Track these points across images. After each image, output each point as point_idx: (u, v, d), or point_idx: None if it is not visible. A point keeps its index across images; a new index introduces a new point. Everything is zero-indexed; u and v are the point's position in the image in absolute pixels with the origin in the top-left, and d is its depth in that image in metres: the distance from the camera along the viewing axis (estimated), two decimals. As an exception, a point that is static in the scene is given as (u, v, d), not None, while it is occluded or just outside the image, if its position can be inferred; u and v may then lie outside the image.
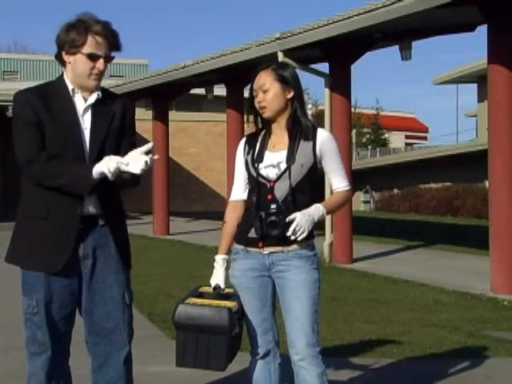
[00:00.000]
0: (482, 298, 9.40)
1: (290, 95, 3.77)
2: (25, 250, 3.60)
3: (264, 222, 3.63)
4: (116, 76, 33.56)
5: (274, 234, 3.64)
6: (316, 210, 3.68)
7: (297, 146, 3.74)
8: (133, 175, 3.51)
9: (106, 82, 22.34)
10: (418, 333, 7.18)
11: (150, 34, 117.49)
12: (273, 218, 3.62)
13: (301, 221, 3.60)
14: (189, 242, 16.81)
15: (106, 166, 3.44)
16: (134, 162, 3.43)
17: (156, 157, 3.50)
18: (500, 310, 8.66)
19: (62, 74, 3.68)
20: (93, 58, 3.55)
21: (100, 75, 3.59)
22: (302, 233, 3.62)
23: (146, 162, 3.43)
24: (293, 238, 3.62)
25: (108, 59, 3.59)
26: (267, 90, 3.75)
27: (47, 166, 3.50)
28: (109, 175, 3.44)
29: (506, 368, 6.04)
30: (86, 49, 3.54)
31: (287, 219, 3.61)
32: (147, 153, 3.47)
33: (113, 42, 3.58)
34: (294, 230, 3.60)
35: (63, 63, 3.65)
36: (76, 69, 3.59)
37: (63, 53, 3.60)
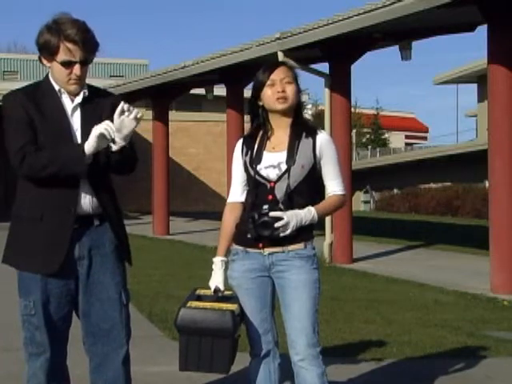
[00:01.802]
0: (481, 298, 9.40)
1: (300, 98, 3.85)
2: (20, 252, 3.58)
3: (256, 222, 3.63)
4: (116, 76, 33.61)
5: (265, 235, 3.64)
6: (308, 212, 3.68)
7: (297, 147, 3.75)
8: (129, 153, 3.52)
9: (105, 82, 22.26)
10: (418, 333, 7.17)
11: (150, 34, 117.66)
12: (265, 218, 3.62)
13: (288, 217, 3.61)
14: (189, 242, 16.80)
15: (97, 131, 3.42)
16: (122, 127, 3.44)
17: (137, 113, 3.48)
18: (500, 310, 8.66)
19: (47, 74, 3.66)
20: (67, 64, 3.53)
21: (78, 80, 3.57)
22: (285, 230, 3.62)
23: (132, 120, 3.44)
24: (276, 234, 3.61)
25: (85, 62, 3.56)
26: (290, 83, 3.77)
27: (38, 156, 3.47)
28: (105, 132, 3.42)
29: (506, 368, 6.03)
30: (60, 57, 3.52)
31: (272, 214, 3.61)
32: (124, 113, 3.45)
33: (88, 45, 3.54)
34: (280, 226, 3.60)
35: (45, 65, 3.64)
36: (54, 74, 3.59)
37: (42, 57, 3.59)
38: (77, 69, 3.54)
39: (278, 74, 3.77)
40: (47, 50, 3.54)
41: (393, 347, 6.48)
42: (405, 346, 6.56)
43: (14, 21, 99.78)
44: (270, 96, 3.76)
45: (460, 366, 5.90)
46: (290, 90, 3.76)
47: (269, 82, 3.76)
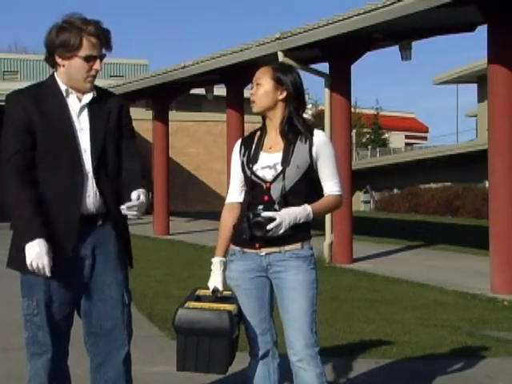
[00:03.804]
0: (481, 298, 9.40)
1: (282, 96, 3.77)
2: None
3: (250, 222, 3.63)
4: (116, 76, 33.60)
5: (258, 235, 3.64)
6: (303, 210, 3.68)
7: (292, 148, 3.74)
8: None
9: (105, 82, 22.10)
10: (418, 333, 7.18)
11: (150, 34, 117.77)
12: (258, 218, 3.62)
13: (281, 217, 3.60)
14: (189, 241, 16.80)
15: (31, 259, 3.43)
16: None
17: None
18: (500, 310, 8.66)
19: (53, 74, 3.65)
20: (90, 59, 3.54)
21: (95, 76, 3.59)
22: (280, 228, 3.61)
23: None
24: (269, 234, 3.61)
25: (102, 58, 3.59)
26: (260, 85, 3.77)
27: (11, 183, 3.46)
28: (28, 261, 3.43)
29: (506, 368, 6.04)
30: (83, 51, 3.52)
31: (264, 214, 3.61)
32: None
33: (105, 41, 3.58)
34: (274, 226, 3.59)
35: (54, 65, 3.62)
36: (71, 72, 3.57)
37: (56, 56, 3.57)
38: (97, 64, 3.56)
39: (255, 76, 3.82)
40: (68, 47, 3.51)
41: (393, 347, 6.48)
42: (405, 345, 6.56)
43: (14, 21, 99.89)
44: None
45: (460, 366, 5.90)
46: (259, 92, 3.77)
47: (251, 85, 3.84)
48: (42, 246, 3.42)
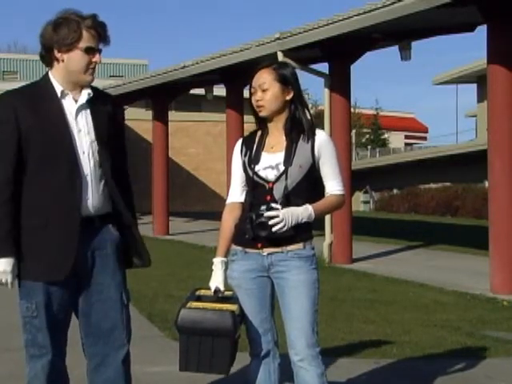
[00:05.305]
0: (481, 298, 9.40)
1: (289, 97, 3.77)
2: (27, 262, 3.53)
3: (253, 223, 3.63)
4: (115, 76, 33.61)
5: (263, 235, 3.63)
6: (305, 210, 3.67)
7: (295, 148, 3.74)
8: None
9: (105, 82, 22.10)
10: (418, 333, 7.18)
11: (149, 34, 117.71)
12: (262, 219, 3.62)
13: (283, 215, 3.60)
14: (189, 242, 16.80)
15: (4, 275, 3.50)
16: None
17: None
18: (500, 310, 8.66)
19: (47, 75, 3.61)
20: (90, 51, 3.52)
21: (94, 70, 3.57)
22: (282, 227, 3.61)
23: None
24: (274, 229, 3.61)
25: (100, 52, 3.57)
26: (266, 90, 3.75)
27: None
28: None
29: (505, 368, 6.03)
30: (83, 43, 3.50)
31: (266, 213, 3.61)
32: None
33: (103, 34, 3.56)
34: (275, 223, 3.60)
35: (51, 63, 3.57)
36: (71, 66, 3.53)
37: (55, 51, 3.52)
38: (97, 57, 3.54)
39: (257, 81, 3.78)
40: (67, 39, 3.48)
41: (393, 347, 6.48)
42: (405, 345, 6.56)
43: (14, 21, 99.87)
44: (253, 104, 3.78)
45: (460, 366, 5.90)
46: (267, 96, 3.74)
47: (252, 90, 3.79)
48: (8, 264, 3.48)
